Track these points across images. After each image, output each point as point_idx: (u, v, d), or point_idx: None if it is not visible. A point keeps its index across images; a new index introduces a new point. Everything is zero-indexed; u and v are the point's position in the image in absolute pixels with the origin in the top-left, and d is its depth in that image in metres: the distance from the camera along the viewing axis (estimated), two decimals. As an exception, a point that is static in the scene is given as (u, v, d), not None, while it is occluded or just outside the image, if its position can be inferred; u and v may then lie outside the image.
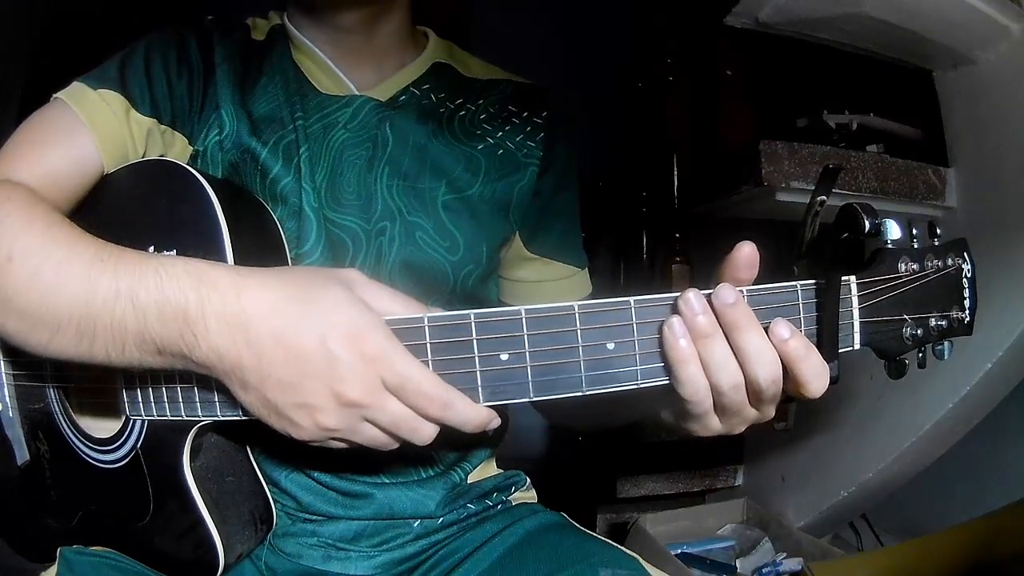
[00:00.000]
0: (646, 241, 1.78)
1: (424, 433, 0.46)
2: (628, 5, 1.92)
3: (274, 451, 0.65)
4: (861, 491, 1.28)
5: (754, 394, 0.46)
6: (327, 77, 0.70)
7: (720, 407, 0.47)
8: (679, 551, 1.32)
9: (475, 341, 0.45)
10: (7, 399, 0.66)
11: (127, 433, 0.58)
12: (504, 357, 0.45)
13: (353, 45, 0.70)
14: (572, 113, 0.77)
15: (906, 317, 0.48)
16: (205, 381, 0.50)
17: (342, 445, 0.47)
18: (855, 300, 0.48)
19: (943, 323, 0.49)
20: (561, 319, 0.45)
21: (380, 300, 0.47)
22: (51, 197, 0.56)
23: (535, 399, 0.46)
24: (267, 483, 0.63)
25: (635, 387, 0.46)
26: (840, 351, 0.47)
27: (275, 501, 0.63)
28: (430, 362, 0.46)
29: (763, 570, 1.26)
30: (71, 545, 0.62)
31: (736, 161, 1.27)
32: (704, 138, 1.64)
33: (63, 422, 0.63)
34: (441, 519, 0.68)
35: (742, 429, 0.49)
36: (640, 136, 1.84)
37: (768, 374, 0.44)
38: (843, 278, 0.47)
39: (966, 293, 0.51)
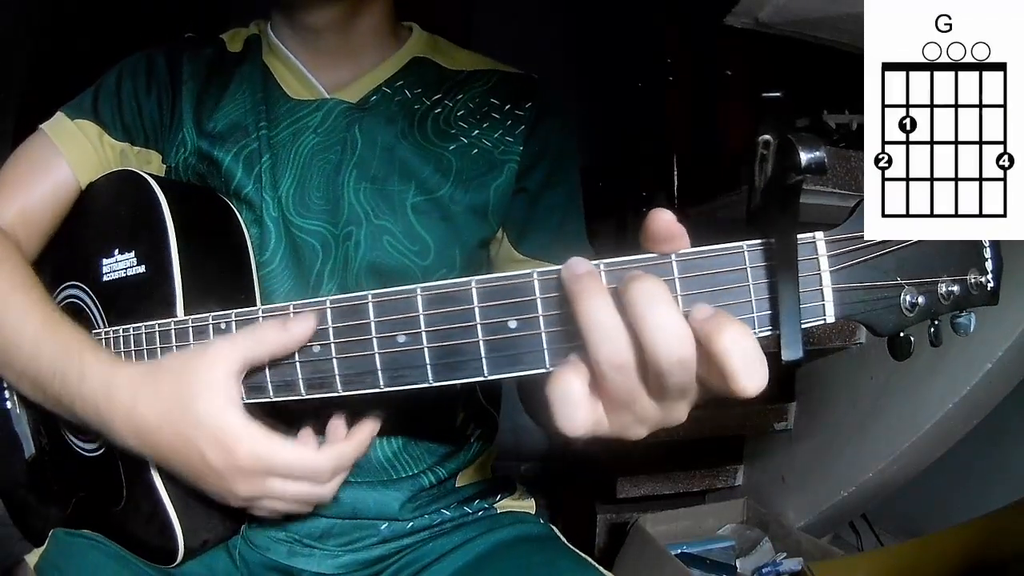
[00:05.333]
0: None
1: (327, 494, 0.52)
2: (628, 5, 1.92)
3: None
4: (861, 491, 1.28)
5: (654, 378, 0.36)
6: (298, 81, 0.70)
7: (603, 391, 0.38)
8: (679, 551, 1.31)
9: (372, 323, 0.44)
10: (15, 397, 0.69)
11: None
12: (401, 339, 0.43)
13: (328, 46, 0.70)
14: (564, 104, 0.74)
15: (902, 282, 0.40)
16: None
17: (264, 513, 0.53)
18: (824, 261, 0.39)
19: (956, 289, 0.40)
20: (457, 297, 0.42)
21: (236, 358, 0.48)
22: (32, 227, 0.66)
23: (435, 384, 0.43)
24: None
25: (543, 372, 0.40)
26: (808, 325, 0.39)
27: None
28: (332, 345, 0.46)
29: (763, 570, 1.26)
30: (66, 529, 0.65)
31: (736, 161, 1.27)
32: (704, 138, 1.64)
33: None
34: (411, 523, 0.67)
35: (641, 432, 0.41)
36: (640, 136, 1.84)
37: (672, 351, 0.35)
38: (807, 235, 0.39)
39: (987, 253, 0.42)
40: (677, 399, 0.38)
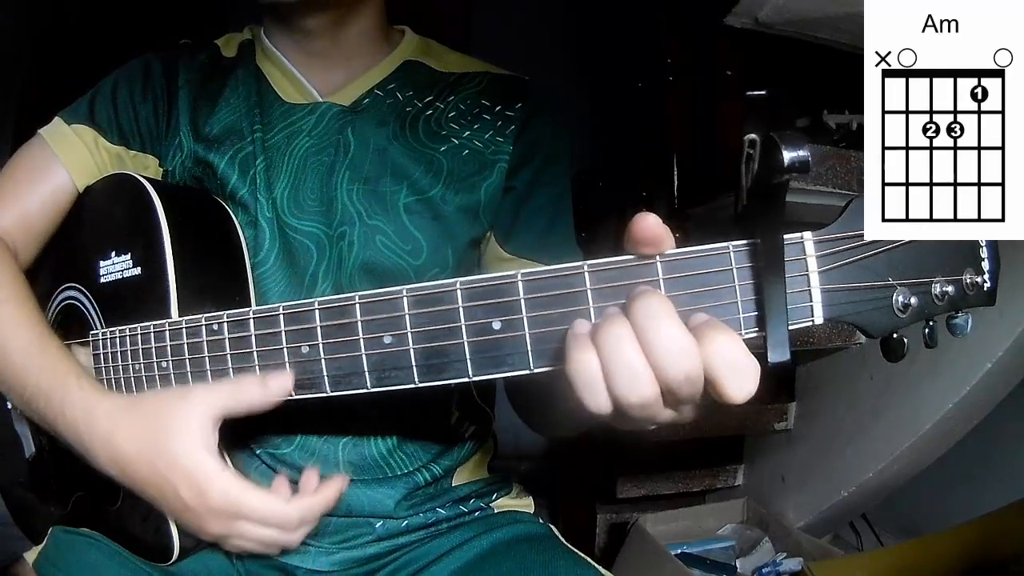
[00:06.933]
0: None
1: (294, 540, 0.55)
2: (628, 5, 1.92)
3: (244, 445, 0.66)
4: (861, 491, 1.28)
5: (667, 393, 0.37)
6: (291, 85, 0.71)
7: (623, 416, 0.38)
8: (679, 551, 1.32)
9: (359, 324, 0.44)
10: None
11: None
12: (387, 340, 0.43)
13: (320, 49, 0.71)
14: (562, 105, 0.74)
15: (894, 283, 0.39)
16: (161, 371, 0.56)
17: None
18: (812, 262, 0.38)
19: (950, 289, 0.40)
20: (442, 297, 0.42)
21: (215, 407, 0.51)
22: (30, 231, 0.67)
23: (421, 385, 0.43)
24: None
25: (527, 373, 0.41)
26: (796, 326, 0.38)
27: None
28: (320, 346, 0.46)
29: (763, 570, 1.26)
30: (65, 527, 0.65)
31: (736, 161, 1.27)
32: (704, 138, 1.64)
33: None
34: (405, 522, 0.67)
35: (651, 427, 0.41)
36: (640, 136, 1.84)
37: (679, 369, 0.35)
38: (795, 235, 0.39)
39: (983, 252, 0.41)
40: (687, 404, 0.38)
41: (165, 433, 0.51)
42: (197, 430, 0.51)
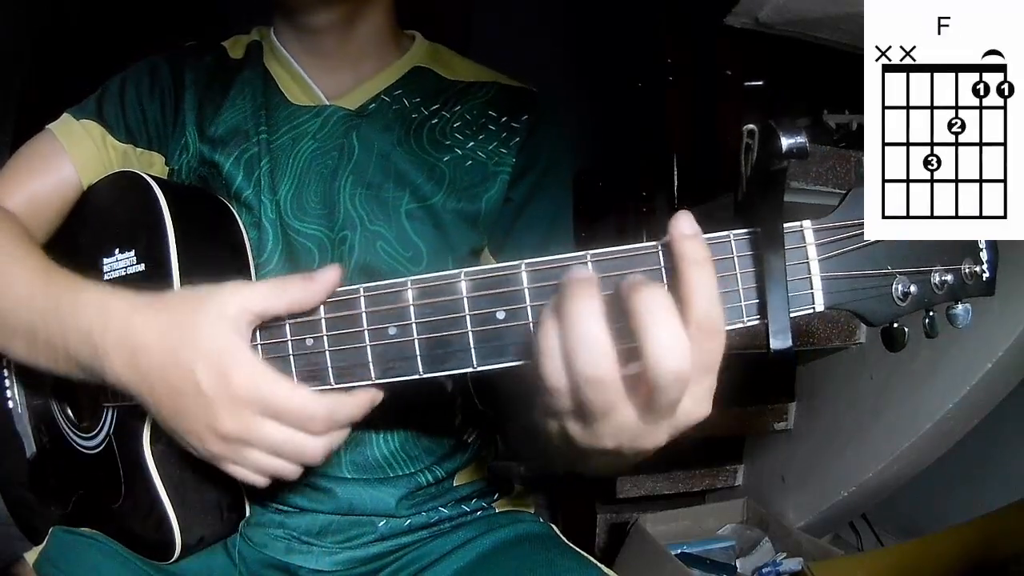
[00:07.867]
0: (646, 241, 1.78)
1: (315, 449, 0.47)
2: (628, 5, 1.92)
3: None
4: (861, 491, 1.28)
5: (647, 392, 0.35)
6: (298, 87, 0.71)
7: (579, 405, 0.37)
8: (679, 551, 1.32)
9: (364, 315, 0.44)
10: (16, 396, 0.70)
11: (103, 420, 0.62)
12: (392, 331, 0.43)
13: (328, 48, 0.71)
14: (560, 117, 0.74)
15: (894, 271, 0.39)
16: None
17: (244, 472, 0.48)
18: (812, 250, 0.39)
19: (949, 278, 0.40)
20: (447, 287, 0.42)
21: (255, 301, 0.46)
22: (35, 219, 0.65)
23: (425, 375, 0.43)
24: None
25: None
26: (797, 313, 0.38)
27: (250, 491, 0.64)
28: (325, 338, 0.46)
29: (763, 570, 1.26)
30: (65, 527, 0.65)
31: (736, 160, 1.27)
32: (704, 138, 1.64)
33: (57, 413, 0.67)
34: (408, 521, 0.67)
35: (633, 455, 0.40)
36: (640, 136, 1.84)
37: (675, 362, 0.34)
38: (795, 223, 0.39)
39: (982, 243, 0.42)
40: (665, 414, 0.37)
41: (192, 316, 0.46)
42: (231, 318, 0.45)
